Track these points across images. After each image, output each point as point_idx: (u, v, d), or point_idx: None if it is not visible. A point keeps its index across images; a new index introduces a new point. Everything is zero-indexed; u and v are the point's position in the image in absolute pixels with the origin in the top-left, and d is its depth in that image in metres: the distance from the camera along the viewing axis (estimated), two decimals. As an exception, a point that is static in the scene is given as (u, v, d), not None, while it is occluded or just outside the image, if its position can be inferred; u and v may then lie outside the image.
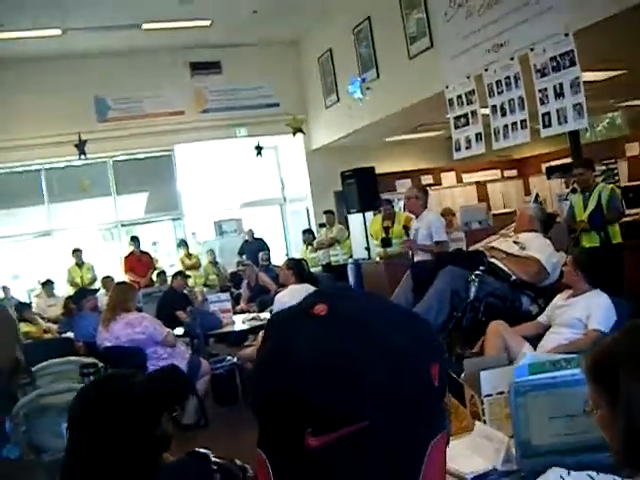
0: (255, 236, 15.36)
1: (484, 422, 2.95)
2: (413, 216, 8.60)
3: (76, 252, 13.84)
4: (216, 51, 15.10)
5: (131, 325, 6.72)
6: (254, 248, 14.22)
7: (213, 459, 1.56)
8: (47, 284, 12.99)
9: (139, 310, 7.90)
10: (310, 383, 0.81)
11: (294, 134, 15.19)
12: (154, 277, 13.69)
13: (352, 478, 0.82)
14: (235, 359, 8.12)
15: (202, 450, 1.65)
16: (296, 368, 0.83)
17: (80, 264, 13.87)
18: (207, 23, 13.35)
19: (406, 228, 8.83)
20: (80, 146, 13.63)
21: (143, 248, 14.34)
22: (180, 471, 1.65)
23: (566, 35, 7.54)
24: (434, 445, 0.85)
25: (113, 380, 2.12)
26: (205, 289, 13.29)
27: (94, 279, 13.65)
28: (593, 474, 0.93)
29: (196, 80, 15.27)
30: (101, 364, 5.75)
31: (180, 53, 14.85)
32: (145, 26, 12.84)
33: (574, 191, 8.82)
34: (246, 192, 17.50)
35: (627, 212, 9.25)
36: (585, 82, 7.73)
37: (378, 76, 12.26)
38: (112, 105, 14.62)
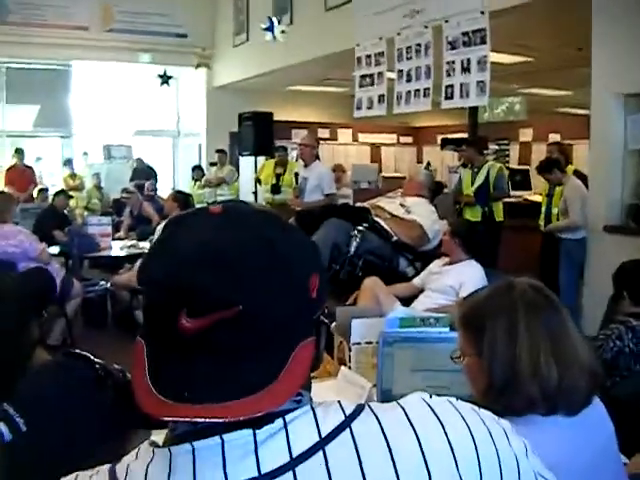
0: (147, 164, 15.13)
1: (349, 369, 3.03)
2: (302, 163, 8.71)
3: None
4: (131, -31, 14.57)
5: (5, 237, 6.53)
6: (143, 176, 14.01)
7: (94, 359, 1.56)
8: None
9: (15, 224, 7.67)
10: (189, 266, 0.86)
11: (197, 67, 14.96)
12: (35, 193, 13.27)
13: (220, 363, 0.87)
14: (109, 284, 8.02)
15: (81, 352, 1.64)
16: (179, 252, 0.89)
17: (-43, 170, 13.30)
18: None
19: (296, 175, 8.90)
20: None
21: (27, 162, 13.85)
22: (63, 368, 1.64)
23: (482, 13, 7.64)
24: (302, 346, 0.91)
25: None
26: (86, 212, 13.01)
27: (-31, 186, 13.14)
28: (452, 399, 0.99)
29: (105, -4, 14.69)
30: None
31: (91, -35, 14.23)
32: None
33: (464, 165, 9.04)
34: (140, 120, 17.18)
35: (512, 193, 9.56)
36: (492, 63, 7.86)
37: (292, 22, 12.14)
38: (13, 8, 13.88)
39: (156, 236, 7.42)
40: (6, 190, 12.34)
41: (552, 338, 1.78)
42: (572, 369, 1.75)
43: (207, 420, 0.84)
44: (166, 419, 0.88)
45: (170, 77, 15.55)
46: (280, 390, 0.87)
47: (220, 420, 0.84)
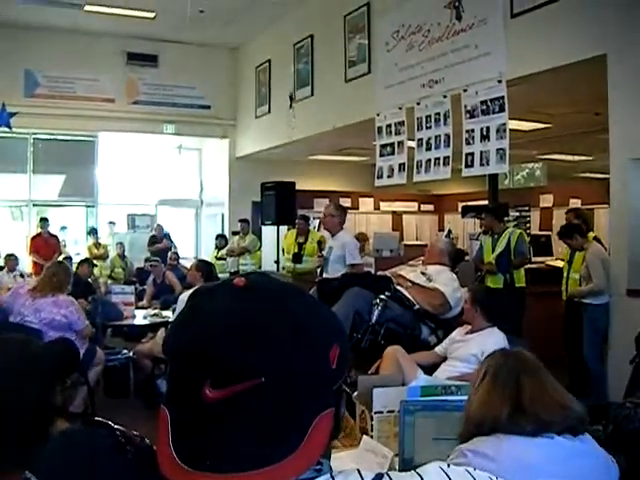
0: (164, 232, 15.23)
1: (371, 437, 3.01)
2: (328, 234, 8.65)
3: (-20, 226, 13.45)
4: (155, 44, 14.88)
5: (58, 305, 6.61)
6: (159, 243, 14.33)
7: (114, 426, 1.58)
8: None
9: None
10: (214, 338, 0.89)
11: (222, 137, 15.24)
12: (59, 262, 13.37)
13: (242, 433, 0.89)
14: (131, 353, 8.03)
15: (101, 419, 1.65)
16: (204, 324, 0.92)
17: (-17, 239, 13.49)
18: (151, 15, 13.15)
19: (320, 244, 8.86)
20: (2, 116, 13.26)
21: (52, 231, 14.02)
22: (83, 434, 1.65)
23: (499, 82, 7.75)
24: (322, 417, 0.93)
25: (7, 343, 2.04)
26: (109, 281, 13.09)
27: (-5, 256, 13.28)
28: (470, 469, 1.00)
29: (131, 70, 14.98)
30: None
31: (119, 41, 14.60)
32: (87, 8, 12.51)
33: (485, 232, 9.04)
34: (164, 190, 17.37)
35: (533, 260, 9.54)
36: (511, 130, 7.93)
37: (312, 94, 12.34)
38: (42, 82, 14.23)
39: (178, 305, 7.47)
40: (31, 259, 12.56)
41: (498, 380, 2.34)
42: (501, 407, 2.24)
43: None
44: None
45: (180, 146, 15.92)
46: (300, 460, 0.89)
47: None
